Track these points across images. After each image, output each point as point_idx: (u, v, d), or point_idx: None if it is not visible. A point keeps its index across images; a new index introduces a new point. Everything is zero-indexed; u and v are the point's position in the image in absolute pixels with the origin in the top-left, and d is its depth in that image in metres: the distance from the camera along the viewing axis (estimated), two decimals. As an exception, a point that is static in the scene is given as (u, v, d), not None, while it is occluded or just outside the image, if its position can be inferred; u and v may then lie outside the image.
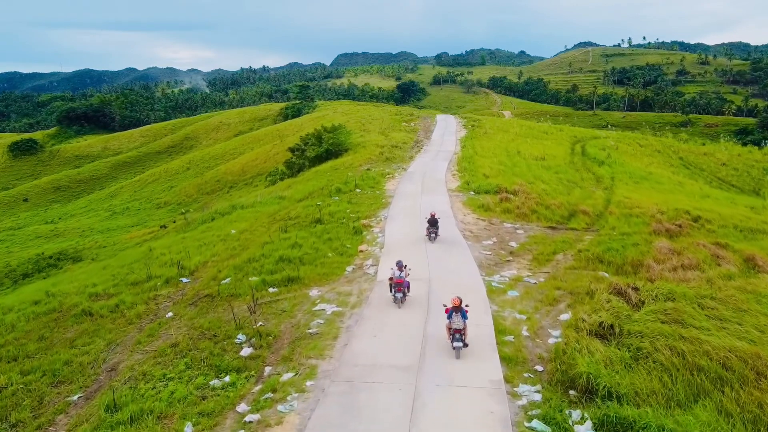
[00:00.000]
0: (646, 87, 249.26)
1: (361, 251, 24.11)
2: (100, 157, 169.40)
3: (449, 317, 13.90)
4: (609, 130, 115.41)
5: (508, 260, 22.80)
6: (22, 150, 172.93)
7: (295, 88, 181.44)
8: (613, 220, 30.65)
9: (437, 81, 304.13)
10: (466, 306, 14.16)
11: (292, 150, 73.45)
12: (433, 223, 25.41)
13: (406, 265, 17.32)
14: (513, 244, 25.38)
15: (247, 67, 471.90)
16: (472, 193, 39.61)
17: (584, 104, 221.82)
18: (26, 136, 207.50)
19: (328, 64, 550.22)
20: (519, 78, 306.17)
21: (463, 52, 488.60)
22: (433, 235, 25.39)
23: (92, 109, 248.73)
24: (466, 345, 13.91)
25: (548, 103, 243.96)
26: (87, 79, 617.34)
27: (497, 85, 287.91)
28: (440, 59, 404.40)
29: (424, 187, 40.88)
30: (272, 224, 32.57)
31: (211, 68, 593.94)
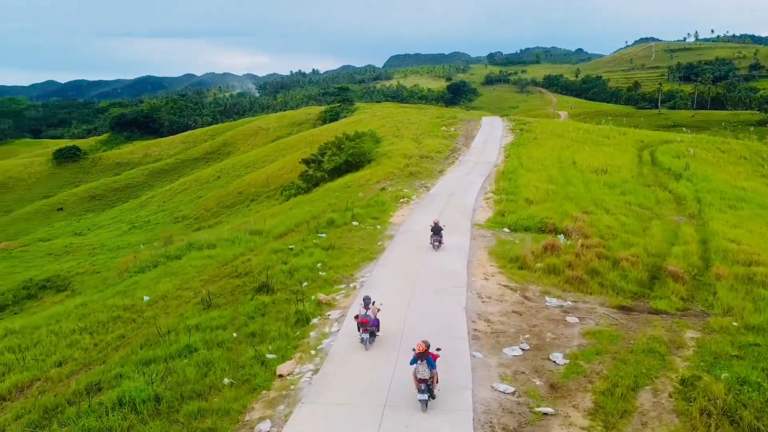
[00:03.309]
0: (716, 83, 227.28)
1: (281, 378, 13.62)
2: (140, 164, 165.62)
3: (413, 362, 12.03)
4: (679, 132, 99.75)
5: (546, 414, 11.77)
6: (65, 157, 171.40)
7: (335, 91, 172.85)
8: (724, 293, 19.11)
9: (489, 81, 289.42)
10: (438, 350, 12.45)
11: (306, 162, 63.82)
12: (437, 231, 24.59)
13: (374, 302, 15.49)
14: (558, 358, 14.27)
15: (303, 71, 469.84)
16: (507, 230, 28.53)
17: (647, 102, 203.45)
18: (71, 142, 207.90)
19: (380, 66, 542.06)
20: (576, 76, 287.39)
21: (518, 51, 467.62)
22: (437, 243, 24.44)
23: (142, 115, 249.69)
24: (433, 397, 12.00)
25: (607, 102, 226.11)
26: (148, 85, 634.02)
27: (553, 83, 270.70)
28: (493, 59, 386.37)
29: (442, 221, 30.15)
30: (208, 285, 22.68)
31: (266, 73, 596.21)
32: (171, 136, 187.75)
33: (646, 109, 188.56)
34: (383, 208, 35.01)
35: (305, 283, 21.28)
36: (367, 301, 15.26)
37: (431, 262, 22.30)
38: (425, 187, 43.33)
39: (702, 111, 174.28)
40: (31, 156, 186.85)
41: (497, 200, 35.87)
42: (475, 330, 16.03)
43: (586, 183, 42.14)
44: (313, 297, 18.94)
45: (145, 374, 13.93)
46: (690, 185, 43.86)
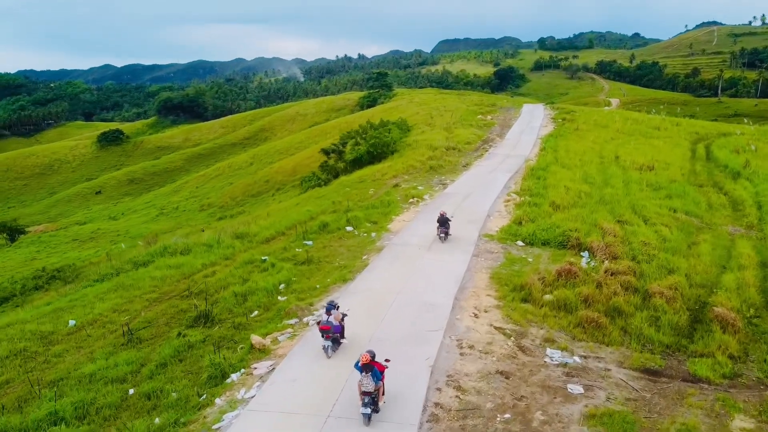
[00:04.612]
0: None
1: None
2: (180, 149, 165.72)
3: (356, 367, 11.41)
4: (740, 123, 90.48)
5: None
6: (109, 140, 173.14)
7: (374, 76, 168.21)
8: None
9: (538, 66, 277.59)
10: (386, 361, 11.61)
11: (326, 152, 59.94)
12: (443, 222, 23.92)
13: (337, 306, 14.41)
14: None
15: (349, 55, 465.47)
16: (521, 244, 23.93)
17: (706, 90, 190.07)
18: (118, 126, 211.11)
19: (428, 51, 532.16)
20: (631, 62, 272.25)
21: (570, 36, 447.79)
22: (443, 236, 23.93)
23: (187, 100, 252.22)
24: (376, 411, 11.25)
25: (663, 90, 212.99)
26: (200, 69, 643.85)
27: (605, 69, 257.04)
28: (544, 44, 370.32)
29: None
30: (151, 307, 19.14)
31: (315, 58, 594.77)
32: (211, 121, 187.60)
33: (704, 97, 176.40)
34: (386, 210, 30.84)
35: (255, 313, 17.42)
36: (329, 307, 14.31)
37: (412, 289, 18.06)
38: (442, 184, 38.86)
39: (767, 99, 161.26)
40: (78, 139, 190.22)
41: (518, 204, 31.10)
42: (437, 405, 11.76)
43: (627, 183, 36.79)
44: (228, 355, 14.95)
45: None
46: (750, 186, 37.86)
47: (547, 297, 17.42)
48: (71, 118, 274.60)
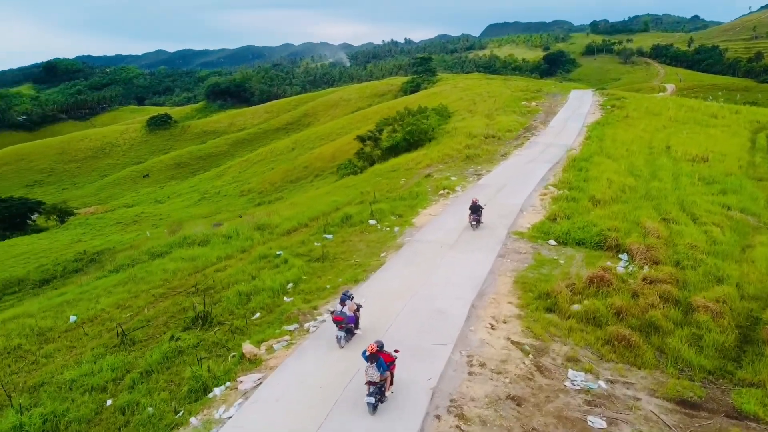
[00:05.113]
0: None
1: None
2: (225, 133, 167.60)
3: (364, 356, 11.29)
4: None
5: None
6: (157, 125, 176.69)
7: (417, 61, 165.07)
8: None
9: (590, 51, 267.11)
10: (395, 352, 11.62)
11: (362, 139, 58.56)
12: (475, 209, 23.63)
13: (352, 296, 14.33)
14: None
15: (396, 40, 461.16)
16: (553, 243, 22.10)
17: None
18: (168, 110, 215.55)
19: (476, 35, 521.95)
20: (688, 46, 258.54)
21: (625, 19, 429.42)
22: (475, 223, 23.57)
23: (234, 84, 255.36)
24: (381, 401, 11.22)
25: (723, 75, 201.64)
26: (249, 54, 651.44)
27: (661, 54, 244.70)
28: (596, 27, 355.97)
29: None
30: (156, 303, 18.36)
31: (362, 42, 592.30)
32: (256, 106, 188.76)
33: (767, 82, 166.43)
34: (414, 203, 29.37)
35: (257, 315, 16.36)
36: (343, 297, 14.23)
37: (426, 294, 16.61)
38: (477, 174, 37.03)
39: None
40: (129, 123, 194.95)
41: (555, 198, 29.09)
42: (436, 439, 10.38)
43: (677, 176, 34.11)
44: (247, 343, 13.91)
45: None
46: (817, 182, 34.68)
47: (575, 307, 15.68)
48: (124, 103, 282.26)
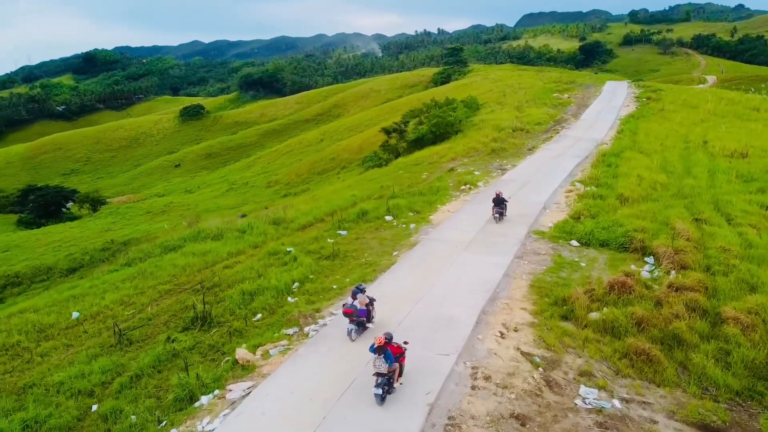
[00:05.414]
0: None
1: None
2: (256, 124, 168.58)
3: (371, 350, 11.28)
4: None
5: None
6: (190, 115, 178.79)
7: (448, 51, 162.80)
8: None
9: (628, 41, 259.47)
10: (405, 343, 11.70)
11: (387, 131, 57.68)
12: (498, 202, 23.43)
13: (364, 290, 14.17)
14: None
15: (429, 30, 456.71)
16: (575, 243, 20.99)
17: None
18: (201, 100, 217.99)
19: (511, 25, 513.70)
20: (732, 35, 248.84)
21: (665, 8, 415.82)
22: (498, 216, 23.43)
23: (267, 75, 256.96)
24: (389, 392, 11.17)
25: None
26: (282, 45, 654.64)
27: (703, 44, 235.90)
28: (635, 16, 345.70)
29: (490, 226, 23.27)
30: (160, 300, 17.97)
31: (395, 33, 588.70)
32: (287, 97, 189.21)
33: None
34: (433, 199, 28.50)
35: (258, 316, 15.79)
36: (355, 291, 14.13)
37: (434, 297, 15.80)
38: (502, 169, 35.91)
39: None
40: (162, 113, 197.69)
41: (581, 195, 27.83)
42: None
43: (713, 173, 32.39)
44: (241, 347, 13.33)
45: None
46: None
47: (593, 315, 14.67)
48: (160, 93, 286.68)
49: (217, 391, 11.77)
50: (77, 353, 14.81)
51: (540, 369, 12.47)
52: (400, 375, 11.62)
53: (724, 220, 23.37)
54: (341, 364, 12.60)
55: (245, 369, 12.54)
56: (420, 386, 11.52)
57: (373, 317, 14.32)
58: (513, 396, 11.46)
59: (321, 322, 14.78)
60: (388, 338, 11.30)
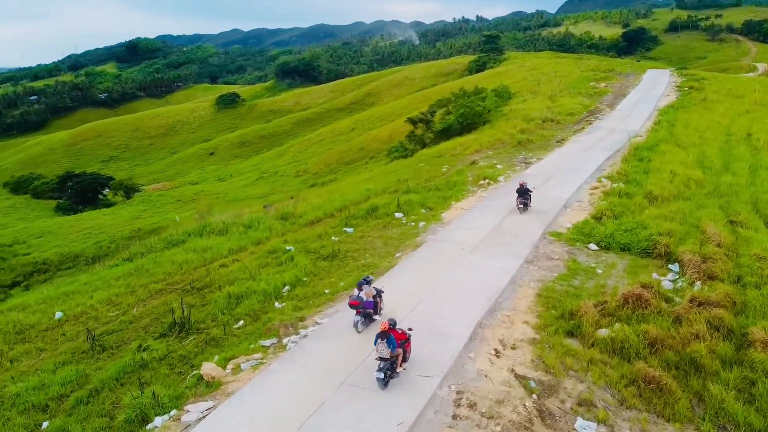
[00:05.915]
0: None
1: None
2: (290, 112, 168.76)
3: (376, 342, 11.55)
4: None
5: None
6: (225, 103, 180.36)
7: (483, 39, 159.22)
8: None
9: (674, 27, 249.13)
10: (409, 330, 12.08)
11: (413, 121, 56.18)
12: (522, 192, 23.23)
13: (371, 282, 14.20)
14: None
15: (467, 17, 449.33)
16: (593, 247, 19.37)
17: None
18: (239, 88, 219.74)
19: (553, 12, 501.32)
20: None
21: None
22: (521, 206, 23.22)
23: (303, 63, 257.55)
24: (392, 376, 11.43)
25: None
26: (320, 33, 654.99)
27: (754, 30, 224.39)
28: (682, 2, 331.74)
29: (504, 225, 21.79)
30: (149, 300, 17.24)
31: (433, 20, 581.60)
32: (321, 85, 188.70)
33: None
34: (448, 194, 27.11)
35: (240, 323, 14.83)
36: (361, 282, 14.10)
37: (429, 307, 14.55)
38: (526, 163, 34.18)
39: None
40: (199, 101, 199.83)
41: (607, 192, 26.01)
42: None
43: (755, 169, 30.05)
44: (211, 361, 12.37)
45: None
46: None
47: (602, 333, 13.19)
48: (199, 81, 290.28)
49: (174, 412, 10.82)
50: (47, 359, 14.17)
51: (534, 396, 11.13)
52: (404, 360, 11.83)
53: (762, 224, 21.34)
54: (315, 380, 11.52)
55: (209, 386, 11.58)
56: (394, 414, 10.32)
57: (381, 309, 14.34)
58: (498, 429, 10.17)
59: (303, 332, 13.71)
60: (392, 324, 11.59)
